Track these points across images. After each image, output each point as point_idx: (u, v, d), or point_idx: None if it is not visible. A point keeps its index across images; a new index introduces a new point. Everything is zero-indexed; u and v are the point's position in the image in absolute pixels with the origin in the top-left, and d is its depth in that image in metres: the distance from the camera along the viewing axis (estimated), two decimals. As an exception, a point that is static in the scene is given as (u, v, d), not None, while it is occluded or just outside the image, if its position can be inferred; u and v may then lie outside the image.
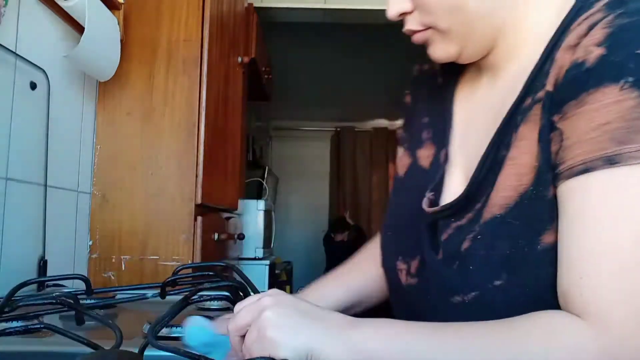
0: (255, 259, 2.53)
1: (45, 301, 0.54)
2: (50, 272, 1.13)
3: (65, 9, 1.19)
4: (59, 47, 1.24)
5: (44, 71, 1.13)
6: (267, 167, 3.89)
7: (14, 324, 0.68)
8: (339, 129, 5.61)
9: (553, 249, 0.51)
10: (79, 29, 1.27)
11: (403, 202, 0.71)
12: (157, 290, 0.71)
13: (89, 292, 0.77)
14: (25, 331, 0.67)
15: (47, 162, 1.14)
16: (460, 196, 0.60)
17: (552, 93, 0.51)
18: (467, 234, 0.57)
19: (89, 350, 0.52)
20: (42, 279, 0.98)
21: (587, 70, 0.48)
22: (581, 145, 0.47)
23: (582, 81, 0.48)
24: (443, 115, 0.69)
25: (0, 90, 1.01)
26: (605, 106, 0.46)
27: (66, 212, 1.29)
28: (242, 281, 0.54)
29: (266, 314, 0.48)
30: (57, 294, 0.58)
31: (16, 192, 1.04)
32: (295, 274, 4.03)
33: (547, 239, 0.51)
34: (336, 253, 4.32)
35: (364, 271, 0.83)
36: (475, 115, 0.66)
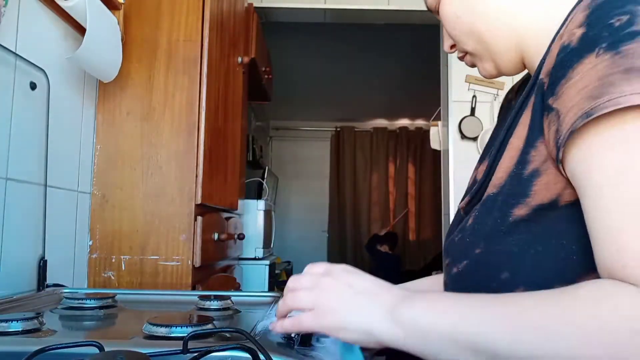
0: (255, 259, 2.53)
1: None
2: (50, 272, 1.13)
3: (66, 9, 1.19)
4: (59, 47, 1.24)
5: (43, 71, 1.13)
6: (267, 167, 3.89)
7: (14, 324, 0.68)
8: (339, 129, 5.61)
9: (522, 220, 0.55)
10: (79, 29, 1.27)
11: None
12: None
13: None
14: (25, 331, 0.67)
15: (47, 162, 1.14)
16: (476, 186, 0.64)
17: (545, 79, 0.54)
18: (474, 211, 0.62)
19: (88, 350, 0.52)
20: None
21: (571, 50, 0.51)
22: (567, 114, 0.49)
23: (568, 60, 0.51)
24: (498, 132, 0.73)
25: (0, 90, 1.01)
26: (584, 74, 0.48)
27: (66, 212, 1.29)
28: (255, 347, 0.54)
29: (323, 297, 0.55)
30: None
31: (16, 192, 1.04)
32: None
33: (517, 212, 0.55)
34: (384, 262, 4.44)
35: None
36: None
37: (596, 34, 0.49)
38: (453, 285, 0.65)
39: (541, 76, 0.55)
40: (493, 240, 0.58)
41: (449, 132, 2.40)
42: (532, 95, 0.57)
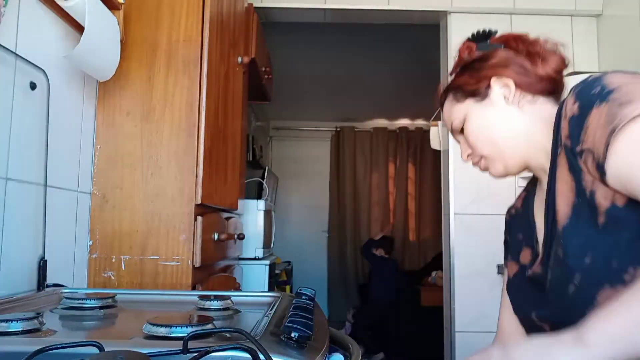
0: (255, 259, 2.53)
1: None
2: (50, 272, 1.13)
3: (65, 9, 1.19)
4: (59, 47, 1.24)
5: (43, 71, 1.13)
6: (267, 167, 3.89)
7: (14, 324, 0.68)
8: (339, 129, 5.61)
9: (606, 224, 0.71)
10: (79, 29, 1.27)
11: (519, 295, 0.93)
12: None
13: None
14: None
15: (47, 162, 1.14)
16: (540, 249, 0.84)
17: (567, 142, 0.75)
18: (557, 245, 0.78)
19: (88, 350, 0.52)
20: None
21: (578, 116, 0.73)
22: (597, 142, 0.69)
23: (579, 121, 0.73)
24: (529, 222, 0.92)
25: (0, 91, 1.01)
26: (595, 119, 0.70)
27: (66, 212, 1.29)
28: (255, 347, 0.54)
29: None
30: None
31: (16, 192, 1.04)
32: (295, 274, 4.03)
33: (600, 219, 0.71)
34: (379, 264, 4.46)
35: None
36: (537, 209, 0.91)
37: (589, 99, 0.72)
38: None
39: (563, 142, 0.76)
40: (597, 247, 0.73)
41: (449, 132, 2.40)
42: (559, 159, 0.77)
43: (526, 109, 0.88)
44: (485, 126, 0.91)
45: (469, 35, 0.98)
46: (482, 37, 0.96)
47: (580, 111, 0.72)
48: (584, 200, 0.74)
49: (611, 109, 0.67)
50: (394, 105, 5.04)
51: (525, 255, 0.91)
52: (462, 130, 0.94)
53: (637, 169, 0.65)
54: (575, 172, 0.74)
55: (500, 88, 0.89)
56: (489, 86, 0.90)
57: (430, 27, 2.62)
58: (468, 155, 0.96)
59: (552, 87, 0.89)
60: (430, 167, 5.36)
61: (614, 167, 0.67)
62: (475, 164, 0.96)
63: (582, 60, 2.46)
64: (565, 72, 0.91)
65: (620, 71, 0.73)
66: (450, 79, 0.98)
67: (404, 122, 5.62)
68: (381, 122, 5.62)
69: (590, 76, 0.74)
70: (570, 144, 0.74)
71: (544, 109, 0.87)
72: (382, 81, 4.24)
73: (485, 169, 0.94)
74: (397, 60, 3.78)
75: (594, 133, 0.69)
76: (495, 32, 0.96)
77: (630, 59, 2.23)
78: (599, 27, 2.52)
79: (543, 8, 2.49)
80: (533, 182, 0.97)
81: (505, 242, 1.03)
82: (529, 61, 0.89)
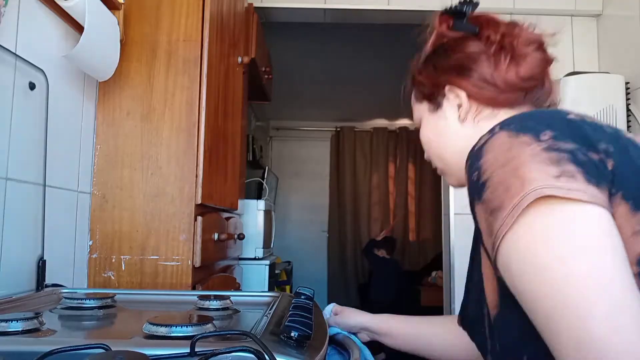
0: (255, 259, 2.53)
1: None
2: (50, 272, 1.13)
3: (65, 9, 1.19)
4: (58, 47, 1.24)
5: (42, 71, 1.13)
6: (267, 167, 3.89)
7: (14, 324, 0.68)
8: (339, 129, 5.61)
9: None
10: (79, 29, 1.27)
11: None
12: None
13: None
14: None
15: (47, 162, 1.14)
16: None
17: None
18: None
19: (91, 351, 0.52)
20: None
21: (468, 189, 0.64)
22: (488, 242, 0.60)
23: (471, 200, 0.63)
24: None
25: (0, 91, 1.01)
26: (479, 217, 0.61)
27: (66, 212, 1.29)
28: (260, 349, 0.54)
29: None
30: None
31: (15, 192, 1.04)
32: (295, 274, 4.03)
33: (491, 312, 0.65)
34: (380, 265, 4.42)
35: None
36: None
37: (471, 187, 0.62)
38: None
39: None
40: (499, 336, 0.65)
41: (449, 132, 2.40)
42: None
43: (482, 125, 0.75)
44: (434, 140, 0.85)
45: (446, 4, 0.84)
46: (460, 12, 0.81)
47: (469, 197, 0.63)
48: (504, 287, 0.61)
49: (487, 217, 0.58)
50: (394, 105, 5.01)
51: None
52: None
53: (513, 287, 0.56)
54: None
55: (454, 99, 0.79)
56: (444, 94, 0.80)
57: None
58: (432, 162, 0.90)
59: (518, 98, 0.76)
60: (430, 167, 5.33)
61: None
62: (434, 168, 0.91)
63: (582, 60, 2.46)
64: (549, 70, 0.78)
65: (504, 132, 0.60)
66: (422, 57, 0.86)
67: (404, 122, 5.61)
68: (381, 122, 5.62)
69: (477, 143, 0.63)
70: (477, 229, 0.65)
71: (487, 124, 0.74)
72: (382, 81, 4.22)
73: (443, 175, 0.89)
74: (397, 60, 3.77)
75: (482, 229, 0.61)
76: (477, 4, 0.81)
77: (630, 59, 2.23)
78: (599, 27, 2.52)
79: (543, 8, 2.49)
80: None
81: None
82: (494, 63, 0.75)
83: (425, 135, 0.87)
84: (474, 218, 0.63)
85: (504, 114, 0.74)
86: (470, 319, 0.79)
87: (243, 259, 2.43)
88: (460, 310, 0.87)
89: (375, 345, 1.05)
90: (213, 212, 1.61)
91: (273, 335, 0.67)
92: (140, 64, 1.46)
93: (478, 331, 0.73)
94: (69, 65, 1.27)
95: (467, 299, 0.82)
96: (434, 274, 4.42)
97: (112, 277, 1.39)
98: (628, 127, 2.17)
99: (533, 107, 0.77)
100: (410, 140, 5.57)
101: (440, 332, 1.01)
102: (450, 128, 0.81)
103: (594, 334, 0.48)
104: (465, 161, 0.65)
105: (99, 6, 1.26)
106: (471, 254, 0.77)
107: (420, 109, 0.86)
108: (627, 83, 2.17)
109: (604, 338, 0.47)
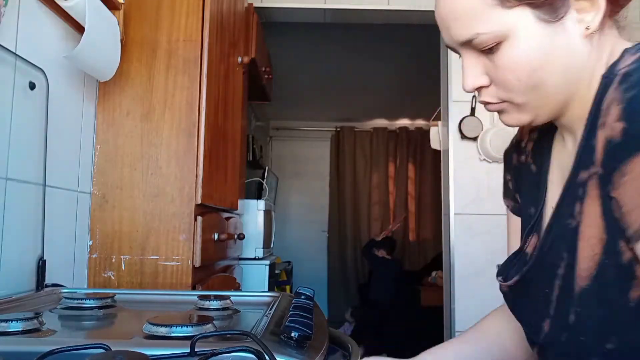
0: (255, 259, 2.53)
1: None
2: (50, 272, 1.13)
3: (65, 9, 1.19)
4: (58, 47, 1.24)
5: (42, 71, 1.13)
6: (267, 167, 3.88)
7: (14, 324, 0.68)
8: (339, 129, 5.61)
9: None
10: (79, 29, 1.27)
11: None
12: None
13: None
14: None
15: (46, 162, 1.14)
16: (524, 269, 0.67)
17: (600, 170, 0.57)
18: (570, 306, 0.61)
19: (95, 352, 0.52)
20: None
21: (617, 145, 0.54)
22: (632, 213, 0.53)
23: (618, 154, 0.54)
24: (539, 190, 0.72)
25: (0, 91, 1.01)
26: (637, 174, 0.52)
27: (66, 212, 1.29)
28: (260, 349, 0.54)
29: None
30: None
31: (15, 192, 1.04)
32: (295, 274, 4.03)
33: (633, 294, 0.55)
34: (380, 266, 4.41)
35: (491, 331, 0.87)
36: (553, 175, 0.71)
37: (637, 130, 0.52)
38: None
39: (597, 165, 0.57)
40: (626, 331, 0.57)
41: (449, 132, 2.40)
42: (591, 185, 0.59)
43: (603, 42, 0.62)
44: (536, 59, 0.60)
45: None
46: None
47: (622, 138, 0.53)
48: (615, 263, 0.56)
49: None
50: (394, 105, 5.04)
51: (531, 244, 0.71)
52: (488, 50, 0.61)
53: None
54: (609, 224, 0.56)
55: (590, 7, 0.60)
56: (566, 3, 0.59)
57: (430, 27, 2.62)
58: (480, 88, 0.65)
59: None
60: (430, 167, 5.36)
61: None
62: (483, 102, 0.66)
63: None
64: None
65: None
66: None
67: (404, 122, 5.61)
68: (381, 122, 5.61)
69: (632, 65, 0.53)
70: (603, 174, 0.56)
71: (607, 41, 0.62)
72: (381, 81, 4.23)
73: (497, 111, 0.66)
74: (397, 60, 3.78)
75: (632, 194, 0.52)
76: None
77: (630, 59, 2.23)
78: (599, 27, 2.51)
79: None
80: (543, 131, 0.73)
81: (507, 183, 0.82)
82: None
83: (523, 54, 0.60)
84: (614, 171, 0.54)
85: (608, 27, 0.63)
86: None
87: (243, 259, 2.43)
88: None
89: (375, 345, 1.04)
90: (213, 212, 1.61)
91: (273, 335, 0.67)
92: (140, 64, 1.46)
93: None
94: (69, 65, 1.27)
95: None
96: (434, 274, 4.42)
97: (112, 277, 1.39)
98: None
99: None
100: (410, 140, 5.58)
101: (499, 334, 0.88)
102: (570, 45, 0.60)
103: None
104: (566, 91, 0.59)
105: (99, 6, 1.26)
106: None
107: (508, 18, 0.59)
108: None
109: None
